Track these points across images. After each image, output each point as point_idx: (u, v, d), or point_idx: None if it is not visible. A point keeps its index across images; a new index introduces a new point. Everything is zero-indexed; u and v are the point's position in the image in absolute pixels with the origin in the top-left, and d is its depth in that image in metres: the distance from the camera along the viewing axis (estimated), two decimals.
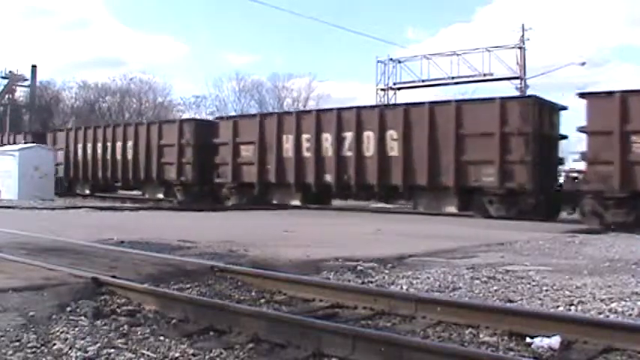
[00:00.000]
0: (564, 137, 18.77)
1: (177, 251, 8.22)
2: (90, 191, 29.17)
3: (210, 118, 39.14)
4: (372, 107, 20.42)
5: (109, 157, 27.66)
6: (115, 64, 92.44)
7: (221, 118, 27.79)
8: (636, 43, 77.01)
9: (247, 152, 22.49)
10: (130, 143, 26.68)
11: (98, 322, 4.49)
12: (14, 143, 30.41)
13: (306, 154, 20.74)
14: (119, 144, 27.17)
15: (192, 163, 24.33)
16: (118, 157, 27.21)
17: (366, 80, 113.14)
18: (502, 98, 17.70)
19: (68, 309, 4.76)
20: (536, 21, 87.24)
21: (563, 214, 17.71)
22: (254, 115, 25.21)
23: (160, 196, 25.89)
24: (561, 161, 18.95)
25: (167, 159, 25.18)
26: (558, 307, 5.28)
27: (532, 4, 74.95)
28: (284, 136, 21.38)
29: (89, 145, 28.77)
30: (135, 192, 28.91)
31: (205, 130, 24.56)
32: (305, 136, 20.86)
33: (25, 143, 29.43)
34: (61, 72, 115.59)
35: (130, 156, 26.64)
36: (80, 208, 19.41)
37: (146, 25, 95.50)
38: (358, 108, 20.46)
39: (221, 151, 23.40)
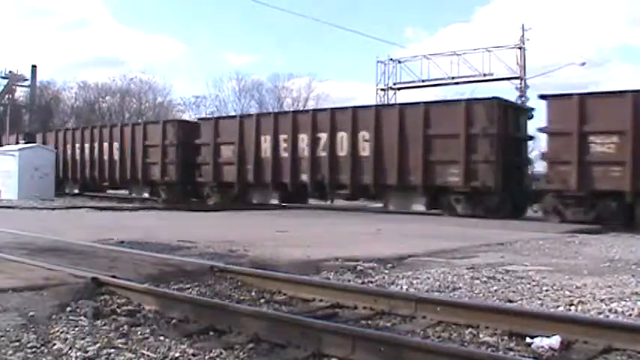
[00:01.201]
0: (531, 138, 19.65)
1: (177, 251, 8.22)
2: (79, 190, 29.95)
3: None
4: (345, 109, 20.61)
5: (96, 157, 28.36)
6: (114, 64, 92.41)
7: (203, 119, 28.79)
8: (636, 42, 77.04)
9: (227, 152, 23.14)
10: (116, 144, 27.36)
11: (98, 322, 4.49)
12: (7, 144, 30.77)
13: (284, 154, 21.34)
14: (106, 144, 27.88)
15: (175, 163, 24.97)
16: (105, 157, 27.88)
17: (366, 80, 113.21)
18: (468, 100, 18.58)
19: (68, 309, 4.76)
20: (536, 21, 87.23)
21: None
22: (234, 117, 26.13)
23: (146, 195, 26.48)
24: (529, 162, 19.68)
25: (152, 159, 25.80)
26: (558, 307, 5.28)
27: (531, 4, 74.99)
28: (262, 137, 22.00)
29: (77, 146, 29.54)
30: (122, 191, 29.41)
31: (188, 130, 25.24)
32: (282, 137, 21.43)
33: (17, 144, 29.66)
34: (61, 72, 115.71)
35: (116, 156, 27.32)
36: (80, 208, 19.43)
37: (146, 25, 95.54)
38: (332, 109, 21.15)
39: (202, 151, 24.07)
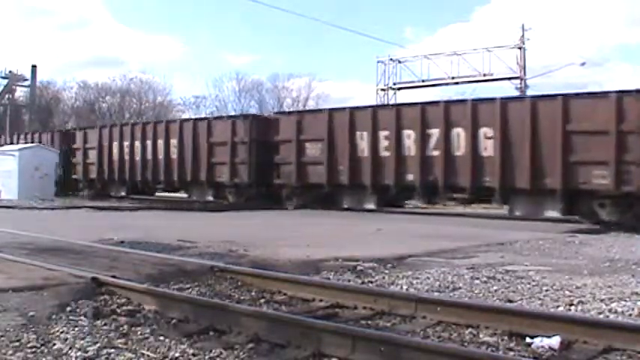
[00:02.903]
0: None
1: (177, 251, 8.22)
2: (126, 193, 26.69)
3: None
4: (464, 101, 18.40)
5: (149, 156, 25.20)
6: (114, 64, 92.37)
7: (281, 112, 26.34)
8: (636, 42, 77.03)
9: (314, 150, 20.63)
10: (173, 141, 24.35)
11: (98, 322, 4.49)
12: (39, 142, 28.99)
13: (385, 153, 19.01)
14: (161, 142, 24.76)
15: (247, 163, 22.20)
16: (161, 156, 24.73)
17: (366, 80, 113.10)
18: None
19: (68, 309, 4.76)
20: (535, 21, 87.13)
21: None
22: (321, 110, 23.08)
23: (210, 198, 23.64)
24: None
25: (218, 158, 22.94)
26: (558, 307, 5.28)
27: (531, 4, 74.96)
28: (357, 133, 19.50)
29: (126, 144, 26.21)
30: (179, 194, 27.04)
31: (262, 126, 22.49)
32: (383, 134, 19.04)
33: (52, 141, 28.92)
34: (61, 72, 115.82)
35: (174, 155, 24.24)
36: (80, 208, 19.41)
37: (145, 25, 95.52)
38: (446, 102, 18.80)
39: (282, 149, 21.51)
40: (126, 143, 26.20)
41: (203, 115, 44.04)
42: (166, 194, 27.39)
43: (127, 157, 26.11)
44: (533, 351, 4.00)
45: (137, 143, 25.63)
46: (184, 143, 23.86)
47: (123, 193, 26.65)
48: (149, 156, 25.20)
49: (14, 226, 10.87)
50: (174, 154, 24.24)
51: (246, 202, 21.96)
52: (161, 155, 24.66)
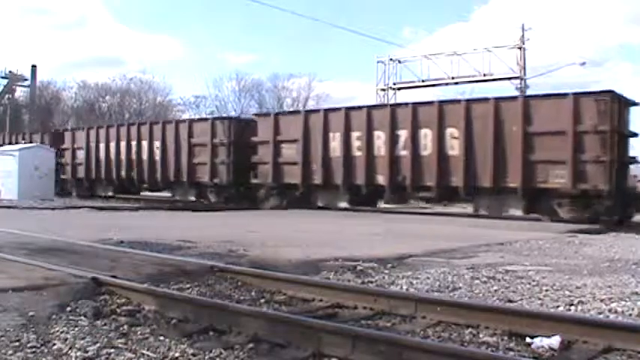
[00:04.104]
0: (635, 135, 17.10)
1: (177, 251, 8.22)
2: (112, 193, 27.66)
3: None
4: (430, 103, 18.98)
5: (134, 157, 26.08)
6: (113, 64, 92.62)
7: (259, 114, 26.42)
8: (636, 41, 77.08)
9: (290, 151, 21.37)
10: (157, 143, 25.20)
11: (98, 322, 4.49)
12: (31, 142, 29.50)
13: (357, 153, 19.67)
14: (145, 143, 25.62)
15: (226, 164, 23.02)
16: (145, 157, 25.62)
17: (366, 80, 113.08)
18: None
19: (68, 309, 4.76)
20: (535, 20, 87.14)
21: None
22: (297, 112, 25.13)
23: (192, 198, 24.59)
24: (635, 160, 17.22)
25: (199, 159, 23.76)
26: (558, 307, 5.28)
27: (530, 4, 74.99)
28: (331, 134, 20.19)
29: (112, 145, 27.12)
30: (163, 194, 27.60)
31: (240, 128, 23.29)
32: (355, 134, 19.70)
33: (43, 142, 29.04)
34: (60, 72, 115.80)
35: (157, 156, 25.16)
36: (80, 208, 19.41)
37: (145, 25, 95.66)
38: (414, 104, 19.27)
39: (259, 150, 22.15)
40: (112, 144, 27.20)
41: (203, 116, 43.96)
42: (151, 194, 28.15)
43: (113, 158, 27.09)
44: (533, 351, 4.00)
45: (123, 144, 26.60)
46: (167, 144, 24.75)
47: (110, 193, 27.70)
48: (134, 156, 26.12)
49: (14, 226, 10.87)
50: (157, 154, 25.17)
51: (226, 201, 22.68)
52: (145, 156, 25.56)
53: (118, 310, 4.83)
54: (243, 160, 22.13)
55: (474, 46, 35.37)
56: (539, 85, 53.43)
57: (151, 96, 62.14)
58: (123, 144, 26.61)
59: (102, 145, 27.65)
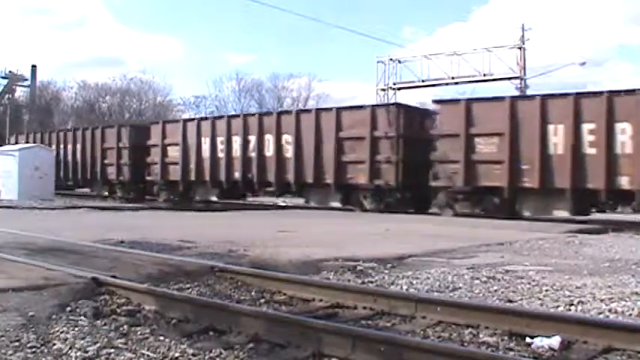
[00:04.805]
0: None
1: (177, 251, 8.21)
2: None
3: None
4: (270, 113, 23.89)
5: (62, 158, 30.16)
6: (114, 64, 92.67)
7: (153, 122, 30.08)
8: (635, 41, 77.12)
9: (173, 153, 25.29)
10: (78, 146, 29.73)
11: (98, 322, 4.49)
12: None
13: (220, 154, 23.50)
14: (70, 146, 30.27)
15: (128, 164, 27.18)
16: (69, 158, 30.25)
17: (366, 80, 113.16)
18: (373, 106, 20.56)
19: (68, 309, 4.76)
20: (534, 20, 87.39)
21: None
22: (178, 120, 28.62)
23: (105, 193, 28.51)
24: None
25: (109, 160, 28.02)
26: (558, 307, 5.28)
27: (529, 4, 75.03)
28: (202, 139, 24.15)
29: (65, 146, 30.94)
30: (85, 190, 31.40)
31: (140, 133, 27.10)
32: (219, 139, 23.57)
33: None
34: (61, 72, 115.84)
35: (78, 158, 29.72)
36: (80, 208, 19.42)
37: (145, 25, 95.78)
38: (260, 114, 24.20)
39: (152, 152, 26.20)
40: (65, 145, 31.05)
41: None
42: (81, 190, 31.73)
43: (69, 159, 30.91)
44: (533, 351, 4.00)
45: (70, 147, 30.68)
46: (86, 148, 29.33)
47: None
48: (69, 157, 30.53)
49: (14, 226, 10.87)
50: (78, 156, 29.72)
51: (129, 195, 27.02)
52: (78, 157, 29.88)
53: (118, 310, 4.84)
54: (141, 161, 26.42)
55: (473, 46, 35.45)
56: (540, 85, 53.54)
57: (151, 96, 62.20)
58: (70, 147, 30.40)
59: (61, 147, 30.95)
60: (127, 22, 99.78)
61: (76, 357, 3.67)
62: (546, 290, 5.96)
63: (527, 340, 4.15)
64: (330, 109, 21.46)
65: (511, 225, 14.17)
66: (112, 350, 3.80)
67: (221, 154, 23.33)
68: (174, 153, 25.11)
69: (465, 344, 4.14)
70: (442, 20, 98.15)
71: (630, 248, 9.88)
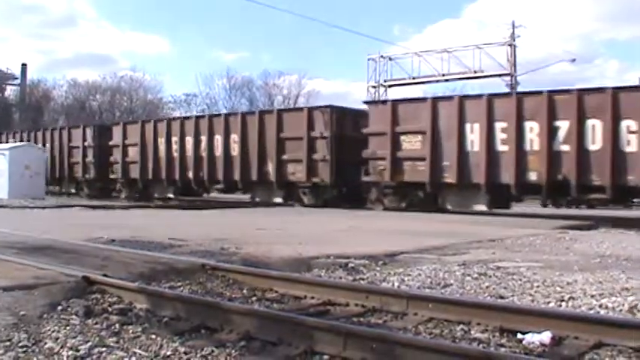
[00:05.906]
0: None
1: (168, 249, 8.19)
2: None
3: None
4: (219, 115, 25.51)
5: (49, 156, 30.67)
6: (104, 62, 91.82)
7: (115, 123, 31.57)
8: (624, 38, 77.56)
9: (133, 152, 26.68)
10: (48, 145, 30.83)
11: (89, 320, 4.47)
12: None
13: (174, 154, 24.78)
14: (48, 145, 30.91)
15: (92, 163, 28.70)
16: (56, 156, 30.84)
17: (357, 77, 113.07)
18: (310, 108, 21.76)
19: (59, 308, 4.74)
20: (524, 17, 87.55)
21: None
22: (136, 121, 29.07)
23: (73, 190, 30.06)
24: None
25: (75, 159, 29.48)
26: (549, 303, 5.30)
27: (519, 1, 75.22)
28: (159, 139, 25.46)
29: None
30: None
31: (104, 133, 28.47)
32: (173, 139, 24.85)
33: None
34: (51, 70, 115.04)
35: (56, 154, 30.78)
36: (72, 207, 19.35)
37: (134, 23, 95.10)
38: (210, 116, 25.53)
39: (114, 151, 27.67)
40: (44, 144, 31.65)
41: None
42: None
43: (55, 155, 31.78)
44: (524, 347, 4.02)
45: (48, 145, 31.25)
46: (54, 147, 30.65)
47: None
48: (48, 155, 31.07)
49: (5, 225, 10.82)
50: (49, 155, 30.34)
51: (92, 192, 28.35)
52: (56, 155, 30.75)
53: (110, 309, 4.82)
54: (105, 160, 28.01)
55: (464, 43, 35.58)
56: (530, 82, 53.67)
57: (142, 94, 61.95)
58: (48, 145, 30.64)
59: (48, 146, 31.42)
60: (116, 21, 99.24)
61: (68, 356, 3.66)
62: (537, 286, 5.98)
63: (519, 336, 4.17)
64: (272, 111, 23.64)
65: (502, 222, 14.23)
66: (104, 349, 3.79)
67: (175, 154, 24.67)
68: (133, 153, 26.57)
69: (457, 341, 4.16)
70: (432, 17, 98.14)
71: (621, 244, 9.94)
